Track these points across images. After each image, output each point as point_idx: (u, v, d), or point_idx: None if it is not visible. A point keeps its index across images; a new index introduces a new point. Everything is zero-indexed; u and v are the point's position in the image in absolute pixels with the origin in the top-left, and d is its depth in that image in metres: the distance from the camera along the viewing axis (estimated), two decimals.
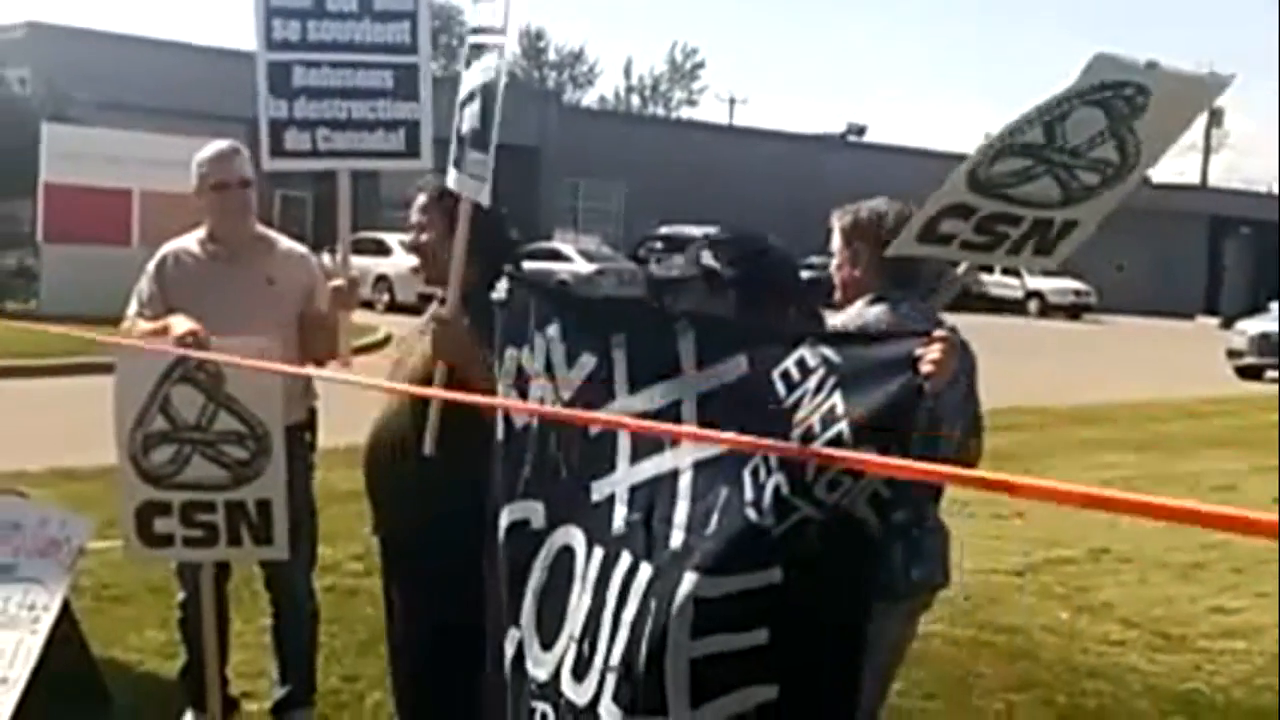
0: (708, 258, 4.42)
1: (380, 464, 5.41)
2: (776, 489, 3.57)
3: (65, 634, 5.94)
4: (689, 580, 3.66)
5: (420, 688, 5.41)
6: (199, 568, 6.39)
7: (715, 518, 3.68)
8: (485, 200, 5.02)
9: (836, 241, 5.14)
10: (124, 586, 8.80)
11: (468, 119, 5.11)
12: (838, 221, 5.13)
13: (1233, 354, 31.27)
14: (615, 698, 3.88)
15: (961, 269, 4.89)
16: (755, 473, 3.63)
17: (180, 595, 6.65)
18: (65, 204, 28.59)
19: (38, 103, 33.90)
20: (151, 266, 6.58)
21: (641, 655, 3.77)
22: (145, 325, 6.37)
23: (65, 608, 5.86)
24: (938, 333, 3.52)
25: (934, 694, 7.41)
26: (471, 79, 5.13)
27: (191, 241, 6.63)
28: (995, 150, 4.38)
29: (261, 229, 6.68)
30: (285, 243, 6.71)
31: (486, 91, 5.02)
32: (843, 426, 3.48)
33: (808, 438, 3.53)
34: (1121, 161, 4.37)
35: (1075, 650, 8.38)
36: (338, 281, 6.35)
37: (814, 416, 3.54)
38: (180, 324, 6.11)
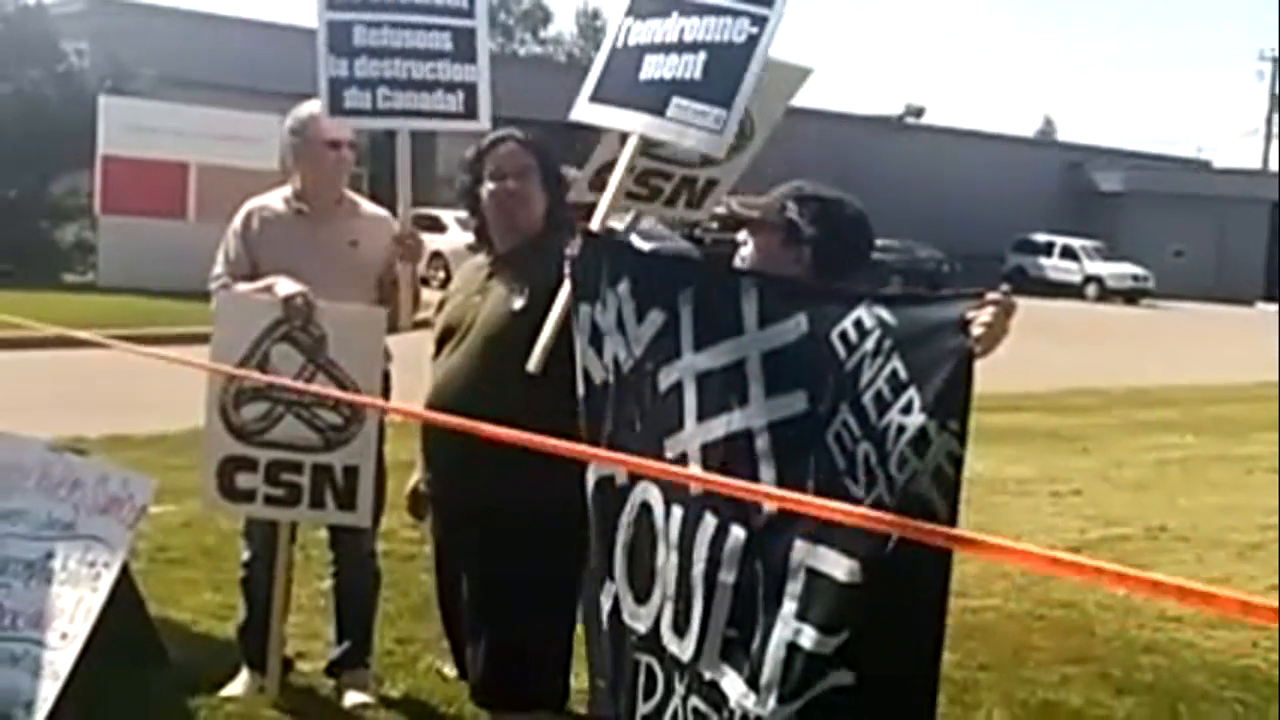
0: (792, 210, 4.39)
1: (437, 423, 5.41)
2: (866, 458, 3.54)
3: (124, 593, 5.97)
4: (800, 548, 3.67)
5: (493, 643, 5.40)
6: (269, 528, 6.44)
7: (812, 485, 3.65)
8: (721, 153, 5.05)
9: None
10: (179, 550, 8.90)
11: (675, 67, 5.09)
12: None
13: None
14: (725, 656, 3.92)
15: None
16: (840, 438, 3.61)
17: (245, 554, 6.68)
18: (122, 176, 28.69)
19: (95, 75, 34.01)
20: (237, 223, 6.60)
21: (758, 621, 3.79)
22: (245, 286, 6.40)
23: (124, 568, 5.89)
24: (991, 296, 3.48)
25: (988, 666, 7.38)
26: (695, 31, 5.07)
27: (276, 199, 6.64)
28: None
29: (346, 191, 6.69)
30: (368, 206, 6.70)
31: (725, 51, 4.96)
32: (913, 394, 3.46)
33: (880, 403, 3.52)
34: (741, 134, 5.30)
35: (1131, 625, 8.32)
36: (400, 233, 6.38)
37: (880, 381, 3.53)
38: (286, 285, 6.16)
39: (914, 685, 3.64)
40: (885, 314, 3.59)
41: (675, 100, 5.01)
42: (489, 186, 5.45)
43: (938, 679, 3.71)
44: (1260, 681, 7.43)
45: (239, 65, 40.94)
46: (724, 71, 4.95)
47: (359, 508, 6.23)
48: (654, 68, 5.14)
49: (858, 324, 3.62)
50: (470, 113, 6.35)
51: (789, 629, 3.68)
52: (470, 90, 6.34)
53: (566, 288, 4.87)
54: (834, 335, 3.66)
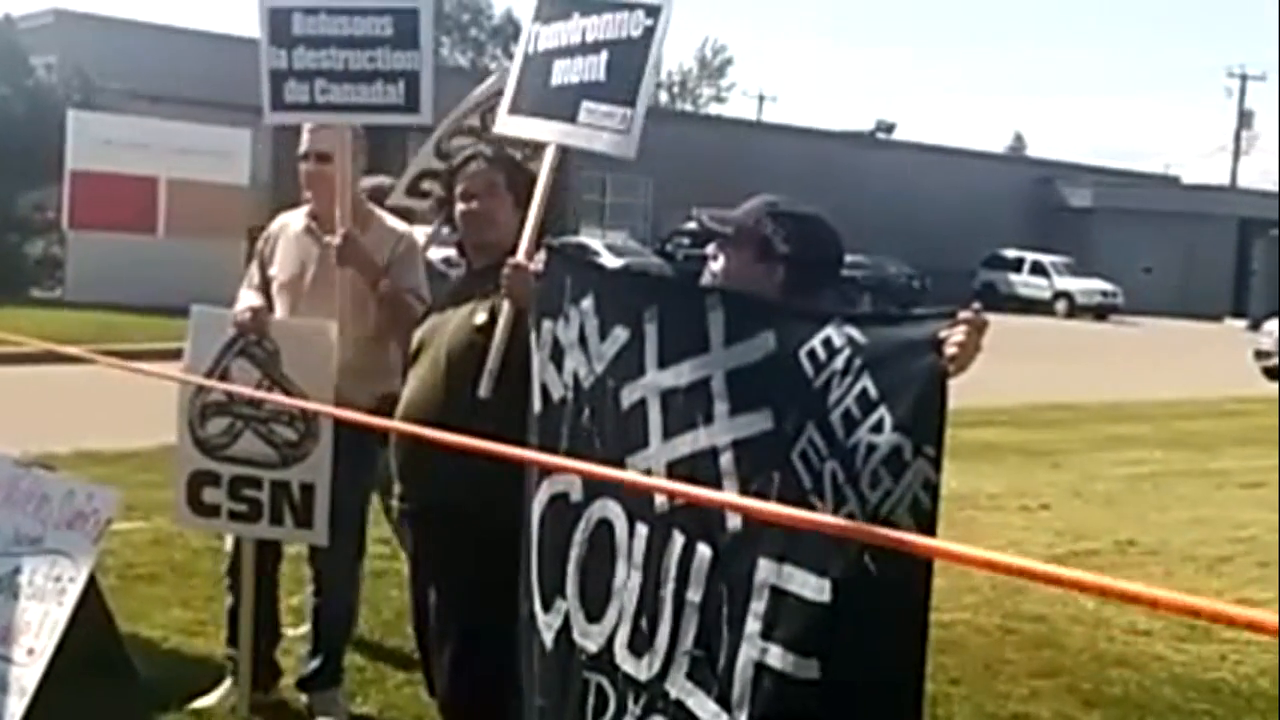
0: (766, 226, 4.37)
1: (414, 436, 5.38)
2: (833, 476, 3.53)
3: (91, 608, 5.95)
4: (765, 567, 3.65)
5: (457, 656, 5.38)
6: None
7: (775, 504, 3.63)
8: (631, 153, 4.99)
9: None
10: (148, 566, 8.84)
11: (580, 70, 5.10)
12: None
13: (1260, 355, 31.05)
14: (692, 676, 3.88)
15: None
16: (805, 457, 3.59)
17: (226, 561, 6.65)
18: (91, 191, 28.49)
19: (64, 90, 33.89)
20: (261, 240, 6.58)
21: (723, 640, 3.77)
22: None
23: (91, 582, 5.86)
24: (963, 314, 3.47)
25: (959, 679, 7.39)
26: (596, 30, 5.09)
27: (299, 214, 6.56)
28: (451, 129, 6.18)
29: (368, 206, 6.55)
30: (386, 221, 6.52)
31: (625, 48, 4.97)
32: (884, 412, 3.45)
33: (849, 421, 3.51)
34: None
35: (1101, 639, 8.34)
36: (331, 238, 6.16)
37: (849, 400, 3.52)
38: (244, 300, 6.15)
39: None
40: (855, 333, 3.57)
41: (584, 104, 5.04)
42: (459, 207, 5.47)
43: (921, 704, 3.69)
44: (1228, 694, 7.47)
45: (208, 79, 40.75)
46: (625, 69, 4.97)
47: (315, 525, 6.15)
48: (563, 73, 5.18)
49: (826, 343, 3.61)
50: (411, 105, 6.12)
51: (755, 648, 3.66)
52: (412, 80, 6.09)
53: (506, 308, 4.88)
54: (802, 354, 3.65)
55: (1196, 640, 8.37)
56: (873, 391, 3.48)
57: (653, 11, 4.92)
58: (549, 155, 5.25)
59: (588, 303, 4.33)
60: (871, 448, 3.44)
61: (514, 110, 5.45)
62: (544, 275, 4.60)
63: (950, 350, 3.40)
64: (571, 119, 5.10)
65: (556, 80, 5.22)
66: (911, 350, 3.47)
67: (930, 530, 3.40)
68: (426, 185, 6.82)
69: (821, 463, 3.55)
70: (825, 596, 3.50)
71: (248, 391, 6.01)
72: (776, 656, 3.60)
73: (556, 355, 4.45)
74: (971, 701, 7.11)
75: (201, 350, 6.23)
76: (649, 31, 4.92)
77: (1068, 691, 7.40)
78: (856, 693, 3.55)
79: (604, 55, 5.03)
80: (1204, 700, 7.36)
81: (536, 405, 4.55)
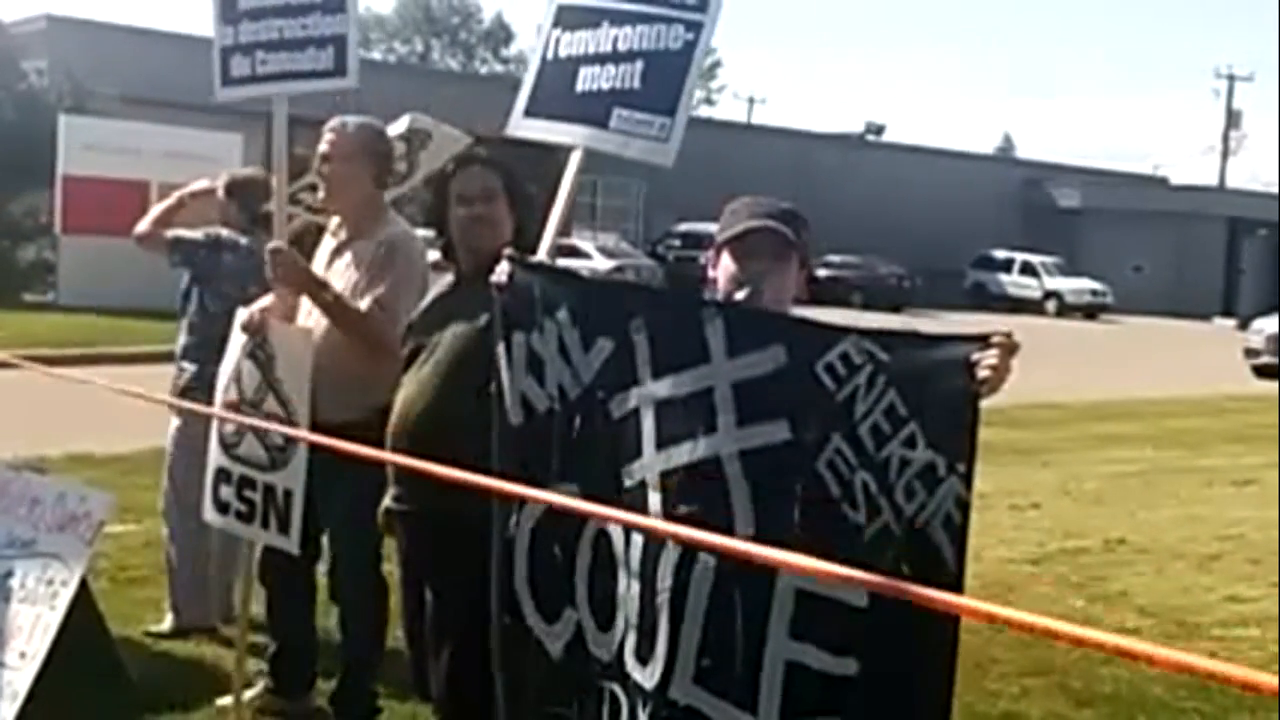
0: (804, 234, 4.38)
1: (411, 440, 5.36)
2: (865, 486, 3.56)
3: (83, 611, 5.95)
4: (789, 575, 3.64)
5: (455, 659, 5.38)
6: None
7: (798, 511, 3.65)
8: (669, 161, 4.97)
9: (222, 195, 7.80)
10: (140, 569, 8.83)
11: (612, 77, 5.09)
12: (222, 181, 7.90)
13: (1250, 353, 31.14)
14: (702, 682, 3.86)
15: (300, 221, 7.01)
16: (833, 466, 3.61)
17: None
18: (83, 196, 28.40)
19: (55, 95, 33.87)
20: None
21: (738, 645, 3.77)
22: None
23: (84, 585, 5.87)
24: (995, 338, 3.50)
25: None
26: (630, 40, 5.07)
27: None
28: None
29: (385, 209, 6.43)
30: (394, 227, 6.34)
31: (663, 58, 4.97)
32: (915, 429, 3.49)
33: (879, 435, 3.55)
34: (408, 172, 7.28)
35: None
36: (271, 245, 6.06)
37: (876, 414, 3.55)
38: (259, 303, 6.19)
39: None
40: (875, 349, 3.60)
41: (617, 111, 5.01)
42: (457, 211, 5.46)
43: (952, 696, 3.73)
44: (1217, 692, 7.47)
45: (199, 85, 40.53)
46: (664, 79, 4.96)
47: (290, 534, 6.04)
48: (590, 79, 5.15)
49: (844, 358, 3.63)
50: (340, 68, 6.03)
51: (785, 649, 3.67)
52: (340, 44, 6.01)
53: None
54: (819, 367, 3.65)
55: (1186, 638, 8.40)
56: (901, 408, 3.53)
57: (693, 26, 4.93)
58: (574, 159, 5.24)
59: (563, 314, 4.25)
60: (905, 462, 3.50)
61: (530, 113, 5.43)
62: (508, 287, 4.49)
63: (983, 373, 3.45)
64: (602, 124, 5.08)
65: (583, 86, 5.19)
66: (943, 371, 3.53)
67: (962, 548, 3.47)
68: (303, 195, 7.05)
69: (852, 473, 3.58)
70: (863, 602, 3.53)
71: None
72: (812, 656, 3.63)
73: (535, 367, 4.35)
74: (962, 700, 7.04)
75: (233, 349, 6.35)
76: (689, 45, 4.92)
77: (1059, 690, 7.43)
78: (896, 686, 3.61)
79: (639, 64, 5.00)
80: (1194, 698, 7.36)
81: (516, 418, 4.48)
